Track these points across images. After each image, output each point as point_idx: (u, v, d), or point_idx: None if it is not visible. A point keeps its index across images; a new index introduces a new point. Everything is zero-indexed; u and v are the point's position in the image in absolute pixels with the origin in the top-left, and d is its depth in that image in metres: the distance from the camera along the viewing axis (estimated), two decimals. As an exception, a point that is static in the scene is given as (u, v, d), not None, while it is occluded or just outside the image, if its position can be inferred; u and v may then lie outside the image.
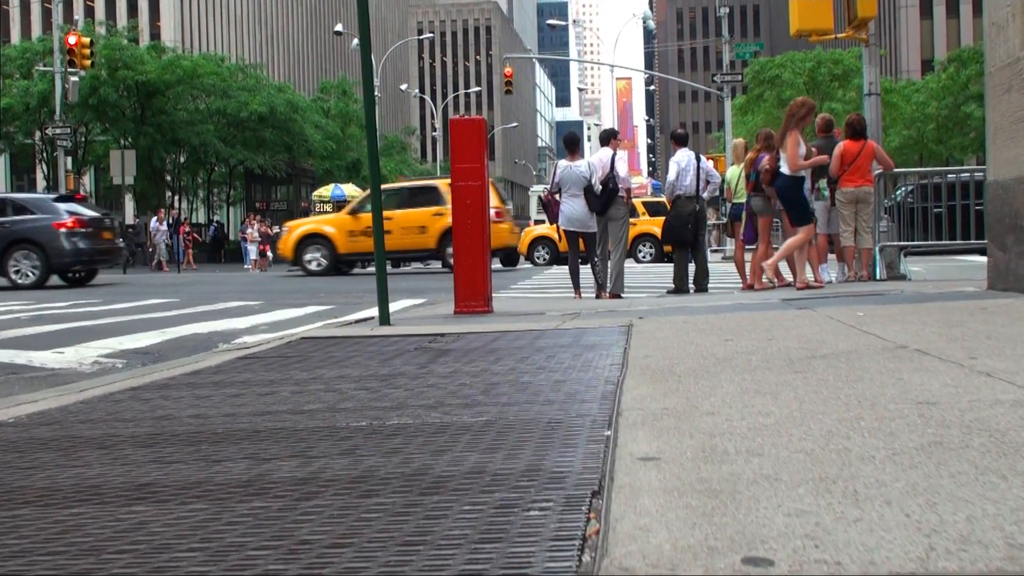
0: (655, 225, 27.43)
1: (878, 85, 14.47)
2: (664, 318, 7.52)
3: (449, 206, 22.95)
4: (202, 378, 5.05)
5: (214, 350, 7.40)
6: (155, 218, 38.76)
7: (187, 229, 39.63)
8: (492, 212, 22.85)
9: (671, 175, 12.29)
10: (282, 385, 4.57)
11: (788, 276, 12.00)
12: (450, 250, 22.51)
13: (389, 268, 25.27)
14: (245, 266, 38.31)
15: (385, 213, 23.48)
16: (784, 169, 10.52)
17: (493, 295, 9.69)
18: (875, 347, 4.85)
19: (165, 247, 37.35)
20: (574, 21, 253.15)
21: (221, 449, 3.05)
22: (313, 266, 23.21)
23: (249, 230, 39.66)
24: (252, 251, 38.39)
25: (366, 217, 22.85)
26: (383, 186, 26.31)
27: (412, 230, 22.83)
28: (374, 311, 8.73)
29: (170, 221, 38.23)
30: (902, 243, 13.29)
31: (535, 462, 2.64)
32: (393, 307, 11.35)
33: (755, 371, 4.20)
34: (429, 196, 23.49)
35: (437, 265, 23.76)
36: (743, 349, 5.07)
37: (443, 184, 23.35)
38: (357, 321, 9.16)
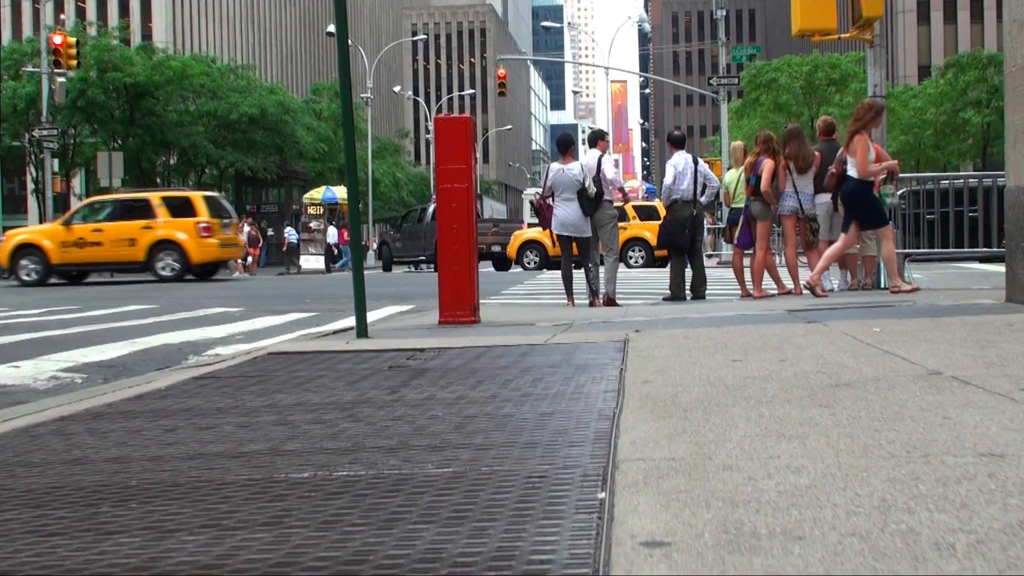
0: (645, 229, 27.01)
1: (883, 87, 13.92)
2: (663, 331, 6.96)
3: (159, 219, 23.44)
4: (144, 404, 4.46)
5: (176, 366, 6.84)
6: None
7: None
8: (201, 227, 23.27)
9: (668, 179, 11.79)
10: (229, 415, 3.98)
11: (788, 283, 11.50)
12: (159, 264, 22.79)
13: (96, 276, 24.87)
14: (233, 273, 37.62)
15: (97, 225, 23.96)
16: (852, 173, 10.04)
17: (481, 301, 9.14)
18: (905, 373, 4.28)
19: None
20: (569, 24, 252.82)
21: (123, 513, 2.46)
22: (25, 275, 23.29)
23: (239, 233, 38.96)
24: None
25: (79, 228, 23.42)
26: (98, 198, 26.30)
27: (122, 242, 23.01)
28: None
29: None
30: (907, 250, 12.77)
31: (508, 543, 2.05)
32: (376, 315, 10.81)
33: (772, 404, 3.63)
34: (140, 210, 23.68)
35: (149, 276, 23.53)
36: (755, 373, 4.49)
37: (155, 198, 23.98)
38: (335, 332, 8.59)
